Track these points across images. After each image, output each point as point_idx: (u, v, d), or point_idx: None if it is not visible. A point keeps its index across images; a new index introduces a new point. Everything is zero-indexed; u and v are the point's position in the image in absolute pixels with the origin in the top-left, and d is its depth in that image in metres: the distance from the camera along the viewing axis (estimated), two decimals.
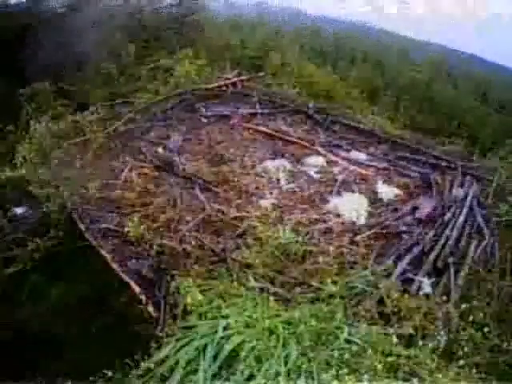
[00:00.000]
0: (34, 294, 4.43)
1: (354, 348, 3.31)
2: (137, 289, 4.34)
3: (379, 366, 3.12)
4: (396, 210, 5.68)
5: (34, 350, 3.79)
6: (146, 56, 9.34)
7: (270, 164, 6.16)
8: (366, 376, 3.04)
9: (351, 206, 5.55)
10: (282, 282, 4.33)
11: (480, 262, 4.75)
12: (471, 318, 3.75)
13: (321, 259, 4.58)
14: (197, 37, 10.45)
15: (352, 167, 6.53)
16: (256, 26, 13.66)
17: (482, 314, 3.80)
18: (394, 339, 3.41)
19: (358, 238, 5.08)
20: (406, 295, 4.01)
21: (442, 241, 4.98)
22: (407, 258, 4.74)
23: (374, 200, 5.82)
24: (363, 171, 6.48)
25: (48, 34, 8.43)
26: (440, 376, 3.15)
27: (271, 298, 3.82)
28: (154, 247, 4.72)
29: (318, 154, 6.82)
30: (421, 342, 3.49)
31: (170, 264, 4.55)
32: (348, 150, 7.09)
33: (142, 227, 4.90)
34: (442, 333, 3.56)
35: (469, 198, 5.82)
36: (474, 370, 3.30)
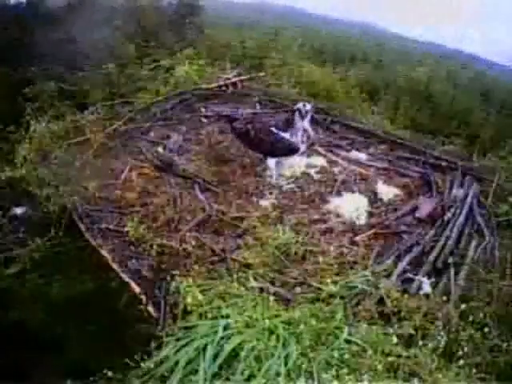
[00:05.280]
0: (33, 294, 4.42)
1: (354, 348, 3.31)
2: (137, 289, 4.35)
3: (379, 366, 3.12)
4: (396, 210, 5.68)
5: (34, 350, 3.78)
6: (145, 56, 9.32)
7: (270, 164, 6.15)
8: (365, 376, 3.04)
9: (351, 206, 5.55)
10: (282, 282, 4.34)
11: (480, 261, 4.75)
12: (471, 318, 3.74)
13: (321, 259, 4.58)
14: (197, 37, 10.44)
15: (352, 167, 6.53)
16: (256, 26, 13.66)
17: (481, 314, 3.80)
18: (394, 339, 3.41)
19: (357, 238, 5.08)
20: (406, 295, 4.01)
21: (442, 241, 4.98)
22: (407, 258, 4.75)
23: (374, 200, 5.82)
24: (363, 171, 6.47)
25: (48, 34, 8.42)
26: (440, 376, 3.15)
27: (271, 298, 3.81)
28: (154, 247, 4.72)
29: (318, 153, 6.83)
30: (421, 342, 3.48)
31: (170, 264, 4.56)
32: (348, 150, 7.09)
33: (141, 227, 4.91)
34: (442, 333, 3.55)
35: (469, 198, 5.82)
36: (474, 370, 3.30)
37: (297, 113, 5.85)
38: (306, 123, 5.90)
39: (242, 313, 3.58)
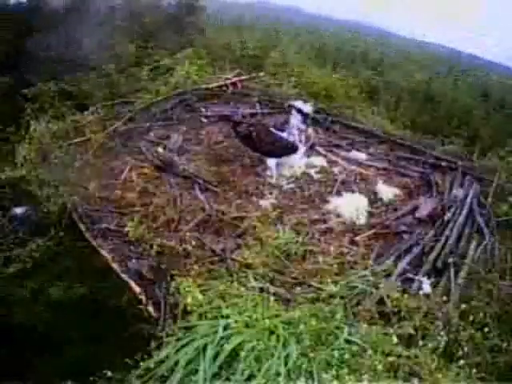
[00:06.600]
0: (34, 294, 4.42)
1: (354, 348, 3.32)
2: (137, 289, 4.35)
3: (379, 366, 3.13)
4: (396, 209, 5.68)
5: (34, 350, 3.79)
6: (146, 56, 9.33)
7: (270, 164, 6.17)
8: (365, 376, 3.05)
9: (351, 206, 5.55)
10: (281, 282, 4.34)
11: (480, 261, 4.75)
12: (471, 317, 3.75)
13: (321, 259, 4.59)
14: (197, 37, 10.44)
15: (352, 167, 6.54)
16: (256, 26, 13.66)
17: (481, 314, 3.80)
18: (394, 339, 3.41)
19: (357, 238, 5.08)
20: (406, 295, 4.01)
21: (442, 241, 4.99)
22: (407, 258, 4.75)
23: (374, 200, 5.83)
24: (363, 171, 6.48)
25: (48, 35, 8.43)
26: (440, 376, 3.16)
27: (271, 298, 3.82)
28: (154, 247, 4.73)
29: (318, 153, 6.83)
30: (421, 342, 3.49)
31: (170, 264, 4.56)
32: (348, 150, 7.09)
33: (141, 227, 4.91)
34: (442, 333, 3.56)
35: (469, 198, 5.82)
36: (474, 370, 3.30)
37: (291, 110, 5.88)
38: (301, 120, 5.93)
39: (242, 313, 3.58)
